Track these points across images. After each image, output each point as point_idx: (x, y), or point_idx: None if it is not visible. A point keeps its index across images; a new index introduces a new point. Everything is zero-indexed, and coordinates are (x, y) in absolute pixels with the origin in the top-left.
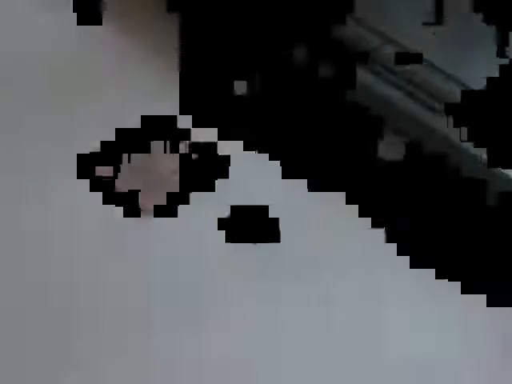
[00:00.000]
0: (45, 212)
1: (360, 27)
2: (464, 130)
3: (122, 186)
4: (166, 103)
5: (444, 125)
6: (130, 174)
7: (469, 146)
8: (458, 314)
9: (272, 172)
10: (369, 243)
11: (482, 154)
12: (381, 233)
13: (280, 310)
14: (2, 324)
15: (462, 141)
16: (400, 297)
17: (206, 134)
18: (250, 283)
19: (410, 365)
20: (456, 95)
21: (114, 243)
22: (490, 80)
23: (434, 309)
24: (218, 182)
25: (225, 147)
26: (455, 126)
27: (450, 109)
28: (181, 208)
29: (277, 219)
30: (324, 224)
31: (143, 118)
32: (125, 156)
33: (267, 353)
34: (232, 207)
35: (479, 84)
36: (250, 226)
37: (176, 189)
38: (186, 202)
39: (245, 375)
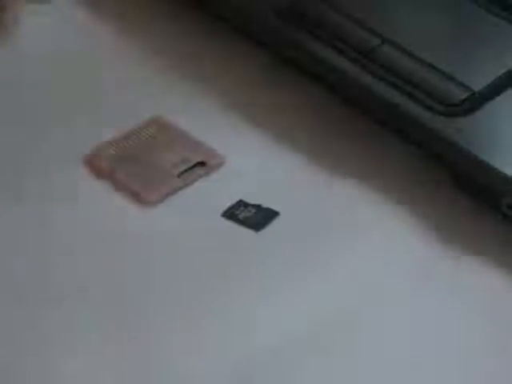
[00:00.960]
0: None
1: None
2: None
3: (122, 178)
4: (167, 103)
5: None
6: (131, 167)
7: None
8: (458, 312)
9: (273, 166)
10: (370, 238)
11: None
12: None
13: (280, 299)
14: None
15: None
16: (399, 293)
17: (206, 134)
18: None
19: (408, 363)
20: (456, 95)
21: (114, 237)
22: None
23: (433, 306)
24: (217, 174)
25: (226, 143)
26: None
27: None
28: (181, 199)
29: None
30: (324, 218)
31: None
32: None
33: (268, 346)
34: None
35: (479, 84)
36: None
37: (177, 182)
38: None
39: (246, 373)
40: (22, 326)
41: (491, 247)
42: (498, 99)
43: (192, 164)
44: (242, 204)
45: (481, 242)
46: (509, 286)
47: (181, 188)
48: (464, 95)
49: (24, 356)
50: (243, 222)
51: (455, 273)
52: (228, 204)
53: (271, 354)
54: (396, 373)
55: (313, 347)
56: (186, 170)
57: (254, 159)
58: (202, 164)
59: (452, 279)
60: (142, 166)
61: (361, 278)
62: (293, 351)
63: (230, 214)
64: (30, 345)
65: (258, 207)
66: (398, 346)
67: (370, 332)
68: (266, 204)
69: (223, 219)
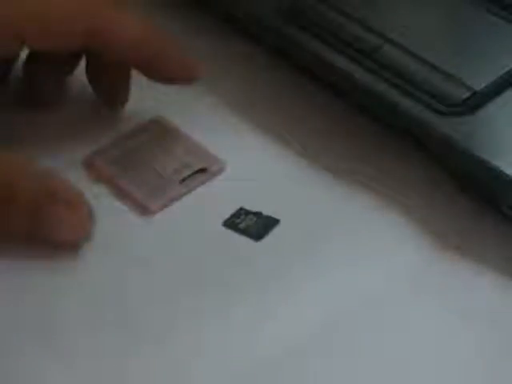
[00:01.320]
0: None
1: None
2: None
3: (123, 185)
4: (166, 105)
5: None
6: (132, 172)
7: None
8: (458, 313)
9: (272, 168)
10: (370, 241)
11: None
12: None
13: (280, 304)
14: None
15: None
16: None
17: (206, 136)
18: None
19: (408, 365)
20: (457, 95)
21: (114, 240)
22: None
23: (432, 307)
24: (218, 180)
25: (226, 146)
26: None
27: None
28: (182, 206)
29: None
30: (323, 222)
31: None
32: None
33: (268, 350)
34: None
35: (480, 84)
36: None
37: (179, 189)
38: None
39: (246, 374)
40: (22, 325)
41: (491, 248)
42: (500, 99)
43: (194, 170)
44: (242, 212)
45: (481, 243)
46: (509, 287)
47: (182, 195)
48: (465, 95)
49: (24, 356)
50: (244, 232)
51: (455, 274)
52: (229, 210)
53: (272, 358)
54: (396, 374)
55: (313, 352)
56: (187, 176)
57: (254, 162)
58: (203, 170)
59: (452, 280)
60: (143, 171)
61: (361, 280)
62: (293, 356)
63: (231, 223)
64: (29, 345)
65: (258, 215)
66: (398, 349)
67: (370, 336)
68: (266, 209)
69: (224, 228)
